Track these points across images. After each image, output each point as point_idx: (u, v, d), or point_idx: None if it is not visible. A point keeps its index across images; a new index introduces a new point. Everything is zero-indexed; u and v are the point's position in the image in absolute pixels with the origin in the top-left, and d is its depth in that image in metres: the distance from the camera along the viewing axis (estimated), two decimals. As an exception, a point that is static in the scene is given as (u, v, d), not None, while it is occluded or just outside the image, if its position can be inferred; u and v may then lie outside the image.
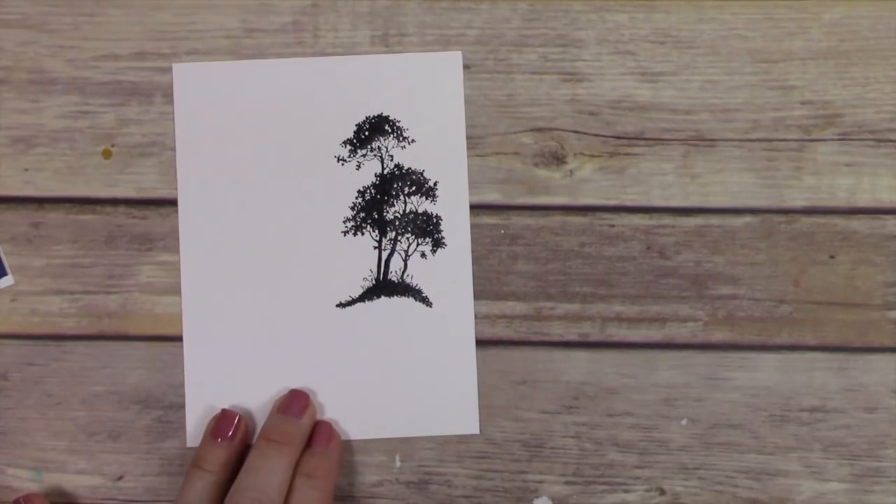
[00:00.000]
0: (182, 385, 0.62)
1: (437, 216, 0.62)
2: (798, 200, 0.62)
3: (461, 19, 0.63)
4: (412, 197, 0.62)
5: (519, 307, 0.62)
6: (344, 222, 0.62)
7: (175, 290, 0.62)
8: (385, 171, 0.62)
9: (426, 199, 0.62)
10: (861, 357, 0.62)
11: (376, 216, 0.62)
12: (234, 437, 0.59)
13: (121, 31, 0.62)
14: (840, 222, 0.62)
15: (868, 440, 0.62)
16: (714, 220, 0.62)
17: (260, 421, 0.62)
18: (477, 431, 0.62)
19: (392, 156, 0.62)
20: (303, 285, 0.62)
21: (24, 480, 0.62)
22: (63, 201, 0.62)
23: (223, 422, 0.60)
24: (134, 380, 0.62)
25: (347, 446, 0.62)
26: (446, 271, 0.62)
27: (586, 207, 0.61)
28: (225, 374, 0.62)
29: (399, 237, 0.62)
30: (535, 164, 0.62)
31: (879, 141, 0.62)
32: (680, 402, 0.62)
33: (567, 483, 0.62)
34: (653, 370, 0.62)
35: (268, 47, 0.63)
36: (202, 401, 0.62)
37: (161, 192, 0.62)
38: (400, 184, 0.62)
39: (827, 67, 0.62)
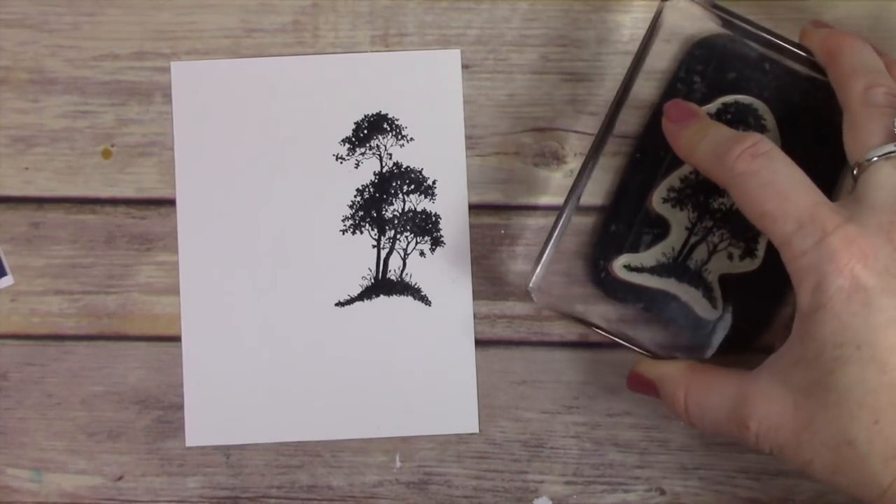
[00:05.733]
0: (181, 385, 0.62)
1: (435, 214, 0.62)
2: (798, 200, 0.62)
3: (461, 19, 0.63)
4: (411, 195, 0.62)
5: (519, 307, 0.62)
6: (342, 221, 0.62)
7: (175, 290, 0.62)
8: (384, 170, 0.62)
9: (425, 197, 0.62)
10: (861, 357, 0.62)
11: (375, 215, 0.62)
12: None
13: (120, 30, 0.63)
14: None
15: (868, 440, 0.61)
16: (714, 219, 0.62)
17: (260, 421, 0.62)
18: (477, 431, 0.62)
19: (391, 154, 0.62)
20: (301, 284, 0.62)
21: (24, 480, 0.62)
22: (63, 201, 0.62)
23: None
24: (133, 380, 0.62)
25: (347, 446, 0.62)
26: (445, 270, 0.62)
27: (587, 207, 0.61)
28: (224, 374, 0.62)
29: (398, 236, 0.62)
30: (535, 164, 0.62)
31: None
32: (680, 402, 0.62)
33: (567, 483, 0.62)
34: (653, 370, 0.62)
35: (268, 47, 0.63)
36: (201, 401, 0.62)
37: (161, 192, 0.62)
38: (399, 182, 0.62)
39: (827, 67, 0.62)
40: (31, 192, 0.62)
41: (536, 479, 0.62)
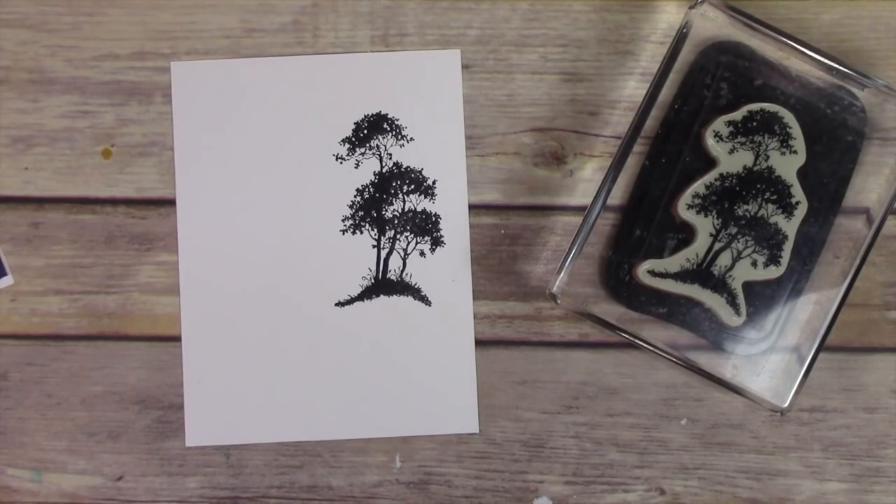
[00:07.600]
0: (181, 385, 0.62)
1: (435, 214, 0.62)
2: (798, 200, 0.62)
3: (461, 19, 0.63)
4: (411, 195, 0.62)
5: (519, 307, 0.62)
6: (342, 221, 0.62)
7: (175, 290, 0.62)
8: (384, 170, 0.62)
9: (425, 197, 0.62)
10: (861, 357, 0.62)
11: (375, 215, 0.62)
12: None
13: (120, 30, 0.63)
14: (842, 222, 0.62)
15: (868, 440, 0.62)
16: (714, 219, 0.62)
17: (260, 421, 0.62)
18: (477, 431, 0.62)
19: (391, 154, 0.62)
20: (301, 284, 0.62)
21: (24, 480, 0.62)
22: (63, 201, 0.62)
23: None
24: (134, 380, 0.62)
25: (347, 446, 0.62)
26: (445, 270, 0.62)
27: (586, 207, 0.61)
28: (224, 374, 0.62)
29: (398, 236, 0.62)
30: (535, 164, 0.62)
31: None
32: (680, 402, 0.62)
33: (567, 483, 0.62)
34: (653, 370, 0.62)
35: (268, 47, 0.63)
36: (201, 401, 0.62)
37: (160, 192, 0.62)
38: (399, 182, 0.62)
39: (827, 67, 0.62)
40: (31, 192, 0.62)
41: (536, 479, 0.62)
